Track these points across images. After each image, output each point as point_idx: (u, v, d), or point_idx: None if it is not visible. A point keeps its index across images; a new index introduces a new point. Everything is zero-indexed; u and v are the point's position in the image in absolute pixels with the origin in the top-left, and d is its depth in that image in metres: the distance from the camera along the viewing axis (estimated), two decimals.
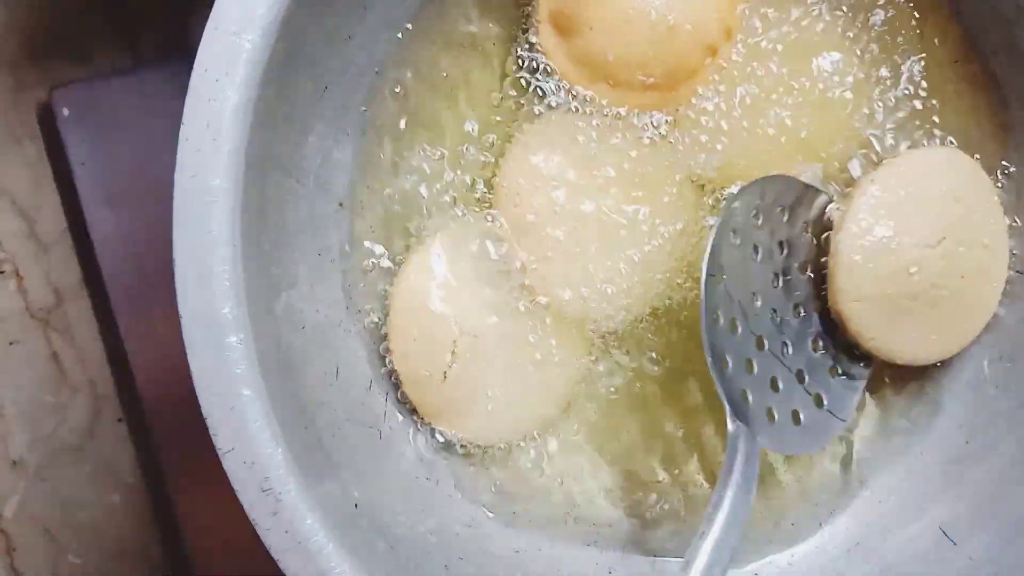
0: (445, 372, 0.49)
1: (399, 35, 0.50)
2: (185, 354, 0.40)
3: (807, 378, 0.49)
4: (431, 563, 0.46)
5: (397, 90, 0.51)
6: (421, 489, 0.50)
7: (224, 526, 0.61)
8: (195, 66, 0.40)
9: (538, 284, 0.50)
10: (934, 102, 0.51)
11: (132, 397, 0.63)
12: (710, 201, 0.51)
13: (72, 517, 0.64)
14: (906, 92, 0.51)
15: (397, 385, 0.50)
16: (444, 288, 0.50)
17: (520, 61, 0.51)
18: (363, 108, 0.50)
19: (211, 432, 0.39)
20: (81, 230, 0.63)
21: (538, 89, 0.51)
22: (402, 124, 0.51)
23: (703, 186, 0.51)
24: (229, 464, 0.39)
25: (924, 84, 0.51)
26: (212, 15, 0.40)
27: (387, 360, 0.50)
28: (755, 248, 0.48)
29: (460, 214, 0.51)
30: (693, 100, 0.50)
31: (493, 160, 0.51)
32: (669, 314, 0.51)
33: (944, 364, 0.52)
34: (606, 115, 0.50)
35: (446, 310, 0.49)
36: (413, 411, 0.51)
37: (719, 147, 0.50)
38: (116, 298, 0.62)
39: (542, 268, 0.50)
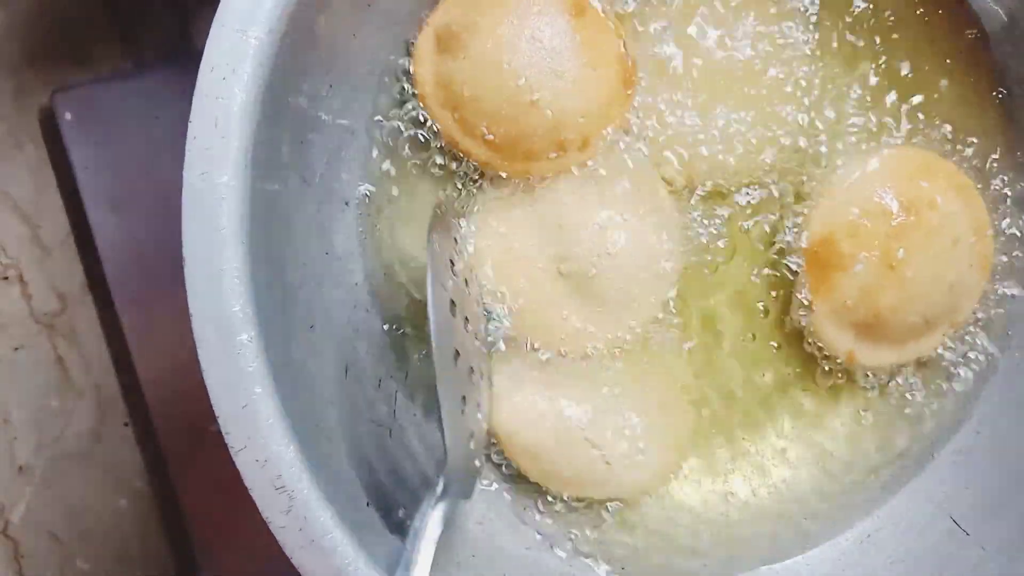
0: (607, 463, 0.49)
1: (404, 34, 0.50)
2: (191, 356, 0.39)
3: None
4: (444, 560, 0.46)
5: (401, 89, 0.51)
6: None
7: (232, 528, 0.62)
8: (202, 64, 0.40)
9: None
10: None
11: (138, 401, 0.63)
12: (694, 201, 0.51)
13: (79, 522, 0.64)
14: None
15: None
16: (548, 405, 0.50)
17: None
18: (367, 107, 0.50)
19: (223, 430, 0.39)
20: (84, 234, 0.63)
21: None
22: (405, 125, 0.51)
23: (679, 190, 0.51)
24: (242, 462, 0.39)
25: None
26: (218, 13, 0.40)
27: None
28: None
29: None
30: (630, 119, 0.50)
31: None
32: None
33: (954, 355, 0.52)
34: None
35: (567, 415, 0.49)
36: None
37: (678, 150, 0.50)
38: (120, 302, 0.62)
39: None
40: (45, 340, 0.64)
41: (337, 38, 0.46)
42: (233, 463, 0.39)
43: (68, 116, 0.62)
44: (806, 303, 0.49)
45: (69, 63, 0.65)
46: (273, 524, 0.39)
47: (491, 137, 0.48)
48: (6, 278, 0.64)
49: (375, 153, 0.51)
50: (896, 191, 0.48)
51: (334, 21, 0.45)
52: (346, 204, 0.50)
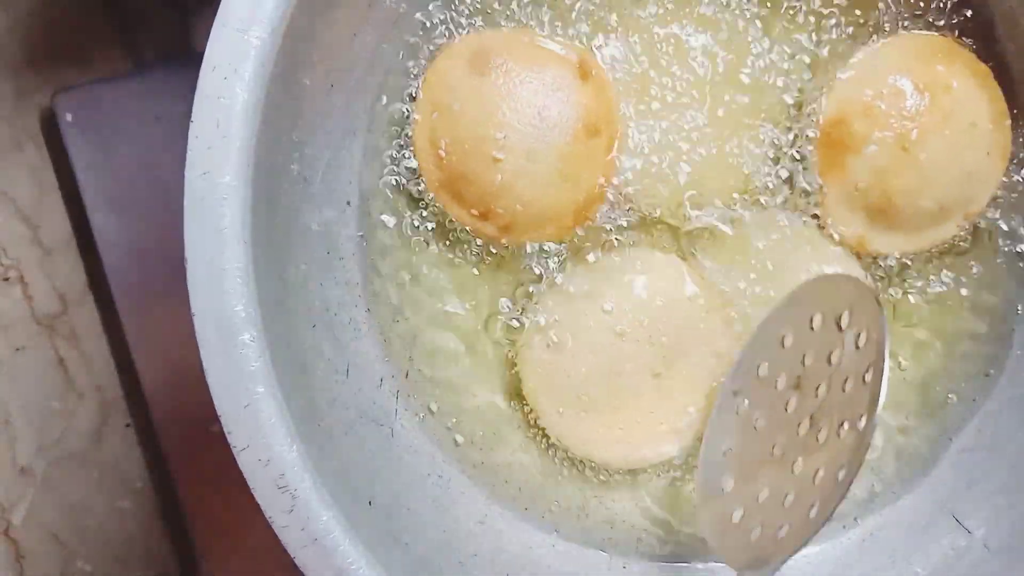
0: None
1: (405, 34, 0.50)
2: (192, 357, 0.39)
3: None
4: (446, 559, 0.46)
5: (404, 89, 0.51)
6: (433, 486, 0.50)
7: (234, 529, 0.62)
8: (203, 64, 0.40)
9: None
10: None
11: (139, 402, 0.63)
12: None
13: (81, 523, 0.64)
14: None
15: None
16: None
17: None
18: (369, 106, 0.50)
19: (225, 430, 0.39)
20: (85, 235, 0.63)
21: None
22: (408, 124, 0.51)
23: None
24: (244, 461, 0.39)
25: None
26: (219, 13, 0.40)
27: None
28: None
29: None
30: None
31: None
32: None
33: (954, 354, 0.52)
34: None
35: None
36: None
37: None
38: (121, 302, 0.62)
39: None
40: (46, 341, 0.64)
41: (337, 38, 0.46)
42: (234, 463, 0.39)
43: (69, 117, 0.62)
44: (818, 187, 0.49)
45: (69, 64, 0.65)
46: (275, 524, 0.39)
47: (443, 155, 0.48)
48: (7, 279, 0.64)
49: (376, 152, 0.51)
50: (911, 73, 0.48)
51: (335, 21, 0.45)
52: (347, 203, 0.50)
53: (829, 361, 0.45)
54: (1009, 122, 0.49)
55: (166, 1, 0.65)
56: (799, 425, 0.45)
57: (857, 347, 0.44)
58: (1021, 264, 0.51)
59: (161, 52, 0.66)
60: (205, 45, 0.40)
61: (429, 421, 0.51)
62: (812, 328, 0.46)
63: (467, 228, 0.49)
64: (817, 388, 0.45)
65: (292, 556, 0.39)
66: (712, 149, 0.50)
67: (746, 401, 0.48)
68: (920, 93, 0.47)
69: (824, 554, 0.52)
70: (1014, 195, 0.51)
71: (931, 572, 0.49)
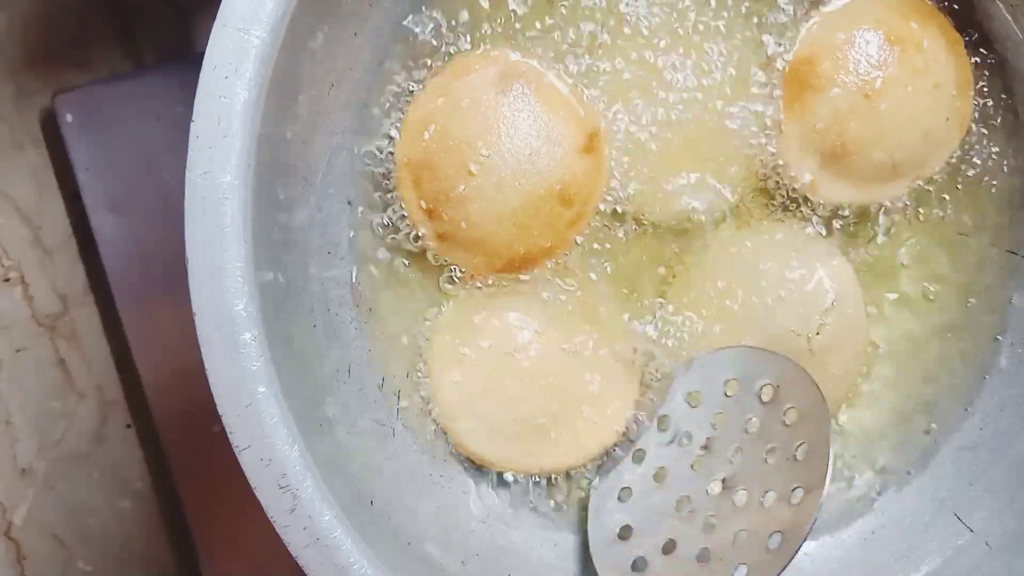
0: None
1: (405, 35, 0.50)
2: (193, 357, 0.39)
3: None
4: (448, 559, 0.46)
5: (403, 88, 0.51)
6: (435, 486, 0.50)
7: (234, 530, 0.62)
8: (204, 63, 0.39)
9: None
10: None
11: (140, 402, 0.63)
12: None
13: (81, 524, 0.64)
14: None
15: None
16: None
17: None
18: (369, 106, 0.50)
19: (227, 429, 0.39)
20: (86, 235, 0.63)
21: None
22: (408, 123, 0.51)
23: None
24: (246, 461, 0.39)
25: None
26: (220, 12, 0.40)
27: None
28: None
29: None
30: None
31: None
32: None
33: (954, 352, 0.52)
34: None
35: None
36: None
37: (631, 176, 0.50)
38: (122, 303, 0.62)
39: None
40: (47, 342, 0.64)
41: (338, 37, 0.46)
42: (235, 463, 0.39)
43: (69, 117, 0.62)
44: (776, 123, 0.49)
45: (70, 64, 0.65)
46: (277, 524, 0.39)
47: (426, 137, 0.48)
48: (8, 280, 0.64)
49: (376, 152, 0.51)
50: (885, 24, 0.48)
51: (335, 20, 0.45)
52: (348, 203, 0.50)
53: (746, 430, 0.46)
54: (972, 93, 0.50)
55: (166, 1, 0.65)
56: (709, 485, 0.46)
57: (784, 424, 0.45)
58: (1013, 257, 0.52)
59: (161, 52, 0.66)
60: (205, 45, 0.40)
61: (430, 420, 0.51)
62: (727, 394, 0.47)
63: (406, 216, 0.49)
64: (729, 453, 0.46)
65: (294, 556, 0.39)
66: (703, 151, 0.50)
67: (644, 451, 0.49)
68: (891, 45, 0.48)
69: (826, 552, 0.52)
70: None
71: (933, 570, 0.49)
